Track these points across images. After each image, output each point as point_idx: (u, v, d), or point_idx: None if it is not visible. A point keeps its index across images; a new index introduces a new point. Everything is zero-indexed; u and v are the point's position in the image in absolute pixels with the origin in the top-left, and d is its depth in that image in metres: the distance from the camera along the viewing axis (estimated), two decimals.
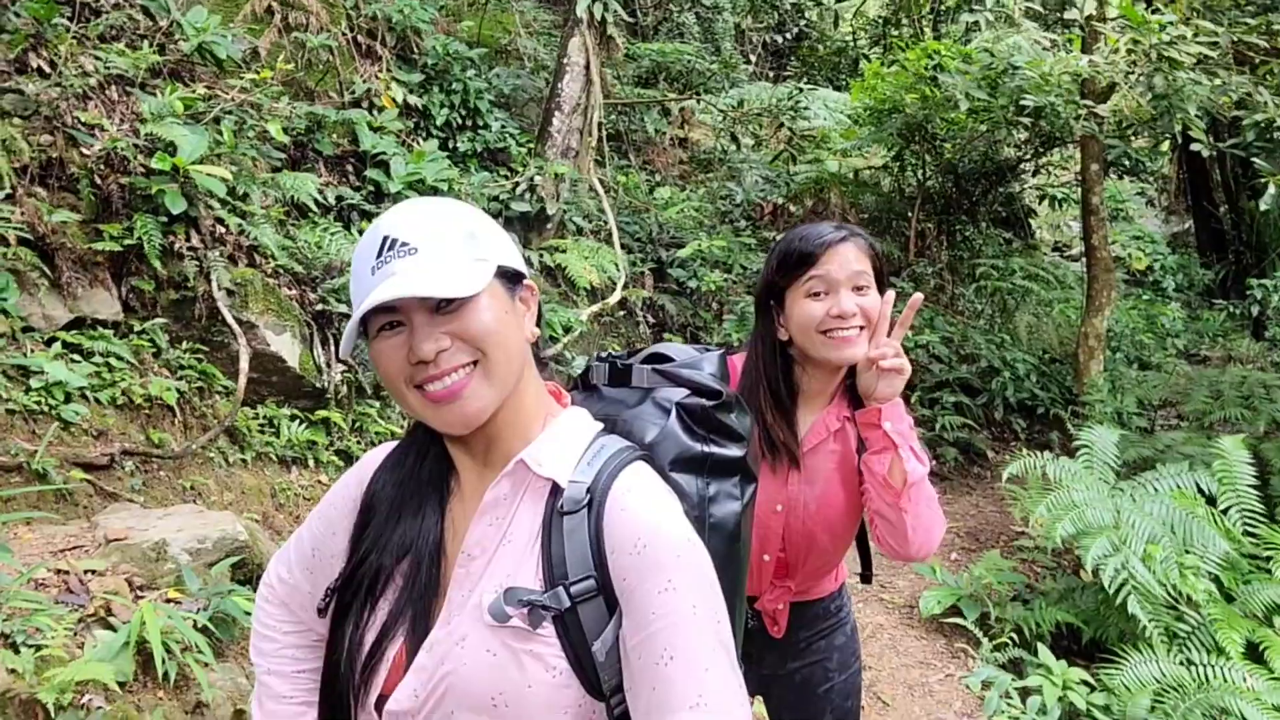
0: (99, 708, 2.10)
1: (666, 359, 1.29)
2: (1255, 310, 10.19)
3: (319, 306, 5.19)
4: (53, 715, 1.94)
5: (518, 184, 7.01)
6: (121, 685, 2.24)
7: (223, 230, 4.88)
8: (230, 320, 4.61)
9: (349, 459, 5.04)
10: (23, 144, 4.32)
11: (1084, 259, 7.14)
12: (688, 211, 8.07)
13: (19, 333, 3.99)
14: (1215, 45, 4.18)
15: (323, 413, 5.00)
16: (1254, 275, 11.81)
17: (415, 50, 7.13)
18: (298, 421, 4.93)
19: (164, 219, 4.56)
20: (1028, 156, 9.65)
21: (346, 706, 1.15)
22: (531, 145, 7.36)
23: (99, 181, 4.52)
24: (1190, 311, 12.81)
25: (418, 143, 6.80)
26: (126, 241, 4.43)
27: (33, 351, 3.97)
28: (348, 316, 5.40)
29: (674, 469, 1.19)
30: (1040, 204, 11.01)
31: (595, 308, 6.88)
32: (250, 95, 5.60)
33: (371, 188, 6.23)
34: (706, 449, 1.20)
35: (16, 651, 2.02)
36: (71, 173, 4.51)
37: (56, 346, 4.03)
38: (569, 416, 1.18)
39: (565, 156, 7.18)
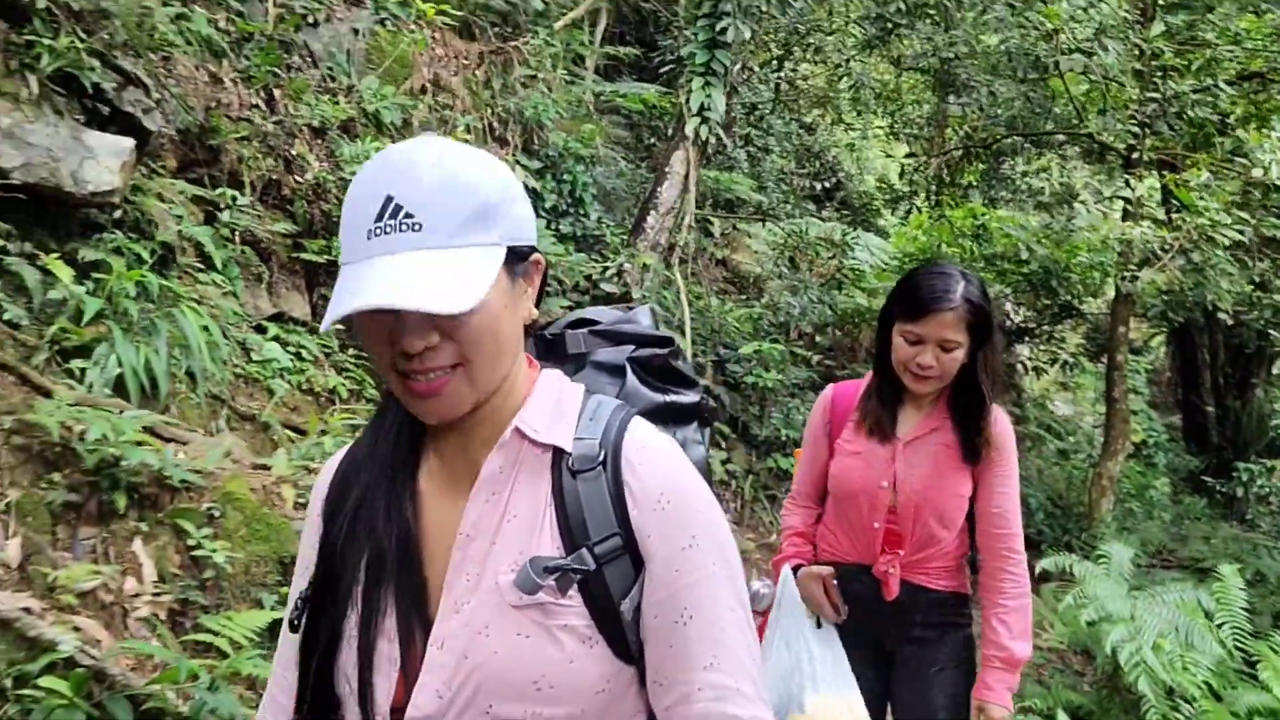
0: None
1: (594, 322, 1.25)
2: (1240, 491, 11.12)
3: None
4: None
5: (608, 268, 7.95)
6: None
7: None
8: None
9: None
10: (259, 164, 5.21)
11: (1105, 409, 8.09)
12: (751, 316, 9.02)
13: (238, 315, 4.78)
14: (1242, 234, 5.19)
15: None
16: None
17: (537, 141, 8.18)
18: None
19: None
20: (1046, 322, 10.72)
21: None
22: (624, 237, 8.34)
23: (307, 205, 5.40)
24: (1174, 494, 13.69)
25: None
26: (325, 257, 5.27)
27: (247, 333, 4.75)
28: None
29: None
30: (1052, 367, 12.06)
31: None
32: None
33: None
34: (667, 398, 1.20)
35: None
36: (286, 194, 5.39)
37: (270, 331, 4.82)
38: (550, 378, 1.13)
39: (654, 251, 8.15)
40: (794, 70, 12.66)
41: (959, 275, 2.29)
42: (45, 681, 1.78)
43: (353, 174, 5.61)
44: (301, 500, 2.72)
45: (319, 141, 5.95)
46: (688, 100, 8.13)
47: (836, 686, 2.35)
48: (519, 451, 1.07)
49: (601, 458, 1.05)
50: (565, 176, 8.17)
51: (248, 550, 2.42)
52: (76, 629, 1.93)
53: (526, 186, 7.89)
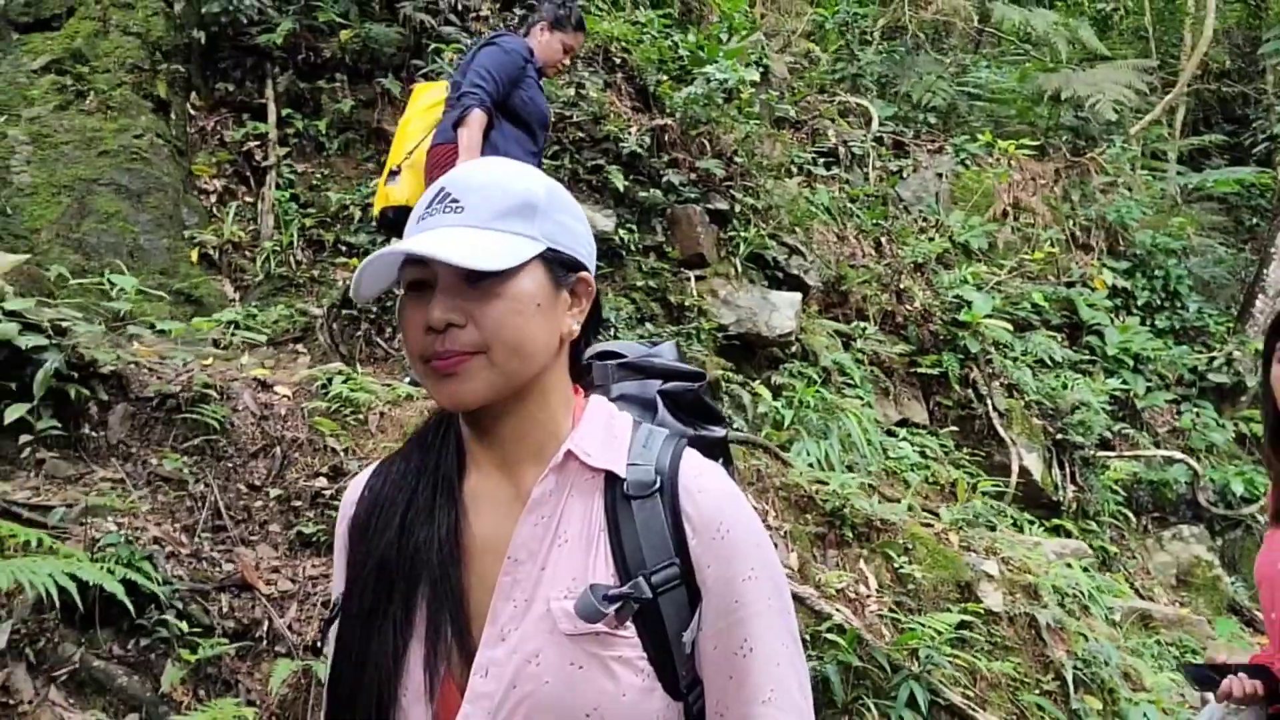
0: None
1: (620, 355, 1.26)
2: None
3: (1058, 436, 6.60)
4: None
5: (1214, 358, 7.87)
6: None
7: (991, 370, 6.59)
8: (1005, 435, 6.21)
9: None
10: (877, 299, 6.48)
11: None
12: None
13: (876, 421, 5.97)
14: None
15: (1055, 521, 6.30)
16: None
17: (1121, 243, 8.52)
18: (1033, 525, 6.29)
19: (961, 356, 6.40)
20: None
21: None
22: (1229, 325, 8.20)
23: (917, 327, 6.52)
24: None
25: (1122, 318, 8.07)
26: (936, 370, 6.31)
27: (882, 435, 5.90)
28: (1081, 447, 6.73)
29: None
30: None
31: None
32: (999, 274, 7.42)
33: (1087, 351, 7.62)
34: (696, 432, 1.20)
35: None
36: (899, 320, 6.57)
37: (899, 434, 5.93)
38: (598, 405, 1.14)
39: None
40: None
41: None
42: (831, 635, 2.91)
43: (954, 299, 6.63)
44: (964, 543, 3.65)
45: (920, 274, 7.10)
46: None
47: None
48: (571, 475, 1.07)
49: (658, 485, 1.06)
50: (1156, 272, 8.37)
51: (934, 573, 3.40)
52: (838, 609, 3.04)
53: (1116, 288, 8.24)
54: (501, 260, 0.99)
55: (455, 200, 1.04)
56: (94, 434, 3.16)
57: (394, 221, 3.81)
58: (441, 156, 3.65)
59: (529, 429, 1.08)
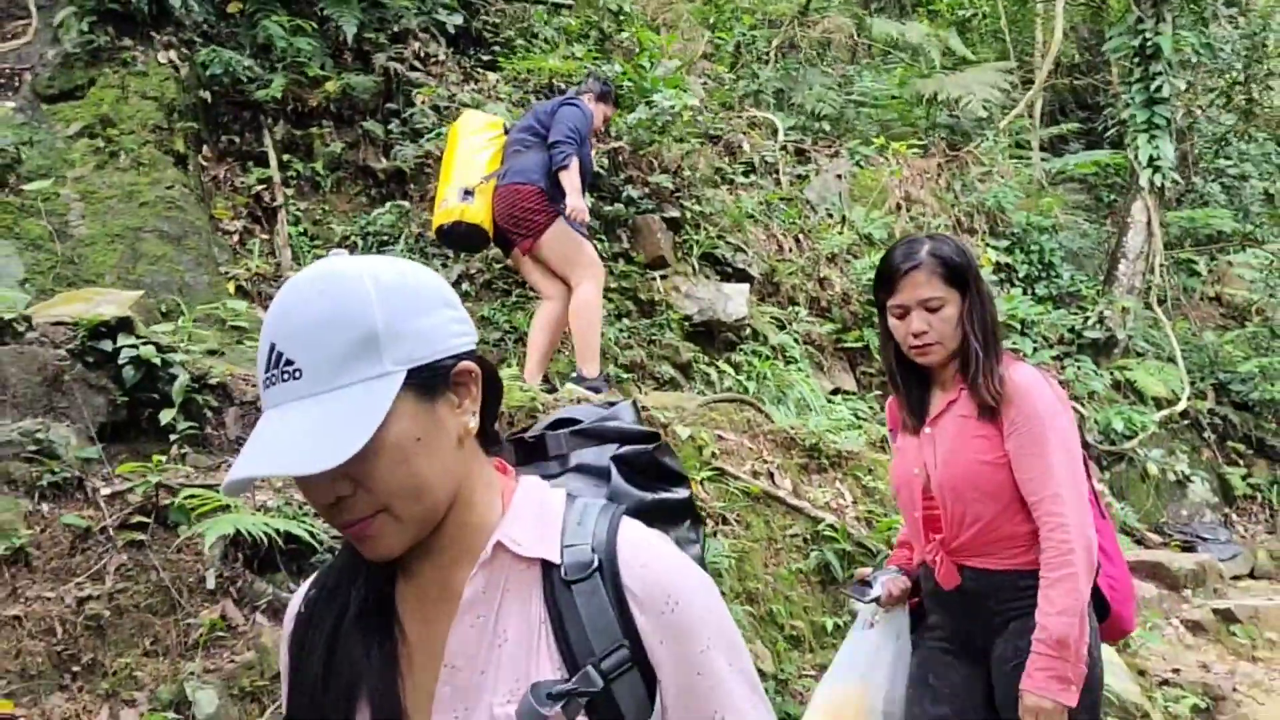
0: None
1: (575, 422, 1.24)
2: None
3: None
4: None
5: (1088, 317, 9.23)
6: None
7: None
8: None
9: None
10: (803, 287, 7.54)
11: None
12: (1245, 337, 9.67)
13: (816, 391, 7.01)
14: None
15: None
16: None
17: (1000, 224, 9.84)
18: None
19: (878, 331, 7.50)
20: None
21: None
22: (1098, 288, 9.58)
23: (838, 309, 7.61)
24: None
25: (1006, 290, 9.36)
26: (859, 345, 7.40)
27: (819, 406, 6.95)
28: None
29: None
30: None
31: (1163, 414, 8.73)
32: None
33: None
34: (656, 496, 1.19)
35: None
36: (824, 304, 7.65)
37: (836, 401, 6.99)
38: (528, 487, 1.10)
39: (1130, 294, 9.29)
40: (1252, 99, 12.98)
41: (925, 238, 2.37)
42: (827, 532, 3.90)
43: (867, 282, 7.74)
44: None
45: (835, 263, 8.22)
46: (1136, 156, 9.33)
47: (840, 679, 2.47)
48: (503, 568, 1.04)
49: (596, 564, 1.02)
50: (1032, 248, 9.71)
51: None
52: (828, 514, 4.02)
53: (999, 264, 9.54)
54: (355, 437, 0.93)
55: (290, 362, 0.96)
56: (216, 432, 3.90)
57: (466, 235, 4.62)
58: (512, 195, 4.52)
59: (457, 532, 1.05)
